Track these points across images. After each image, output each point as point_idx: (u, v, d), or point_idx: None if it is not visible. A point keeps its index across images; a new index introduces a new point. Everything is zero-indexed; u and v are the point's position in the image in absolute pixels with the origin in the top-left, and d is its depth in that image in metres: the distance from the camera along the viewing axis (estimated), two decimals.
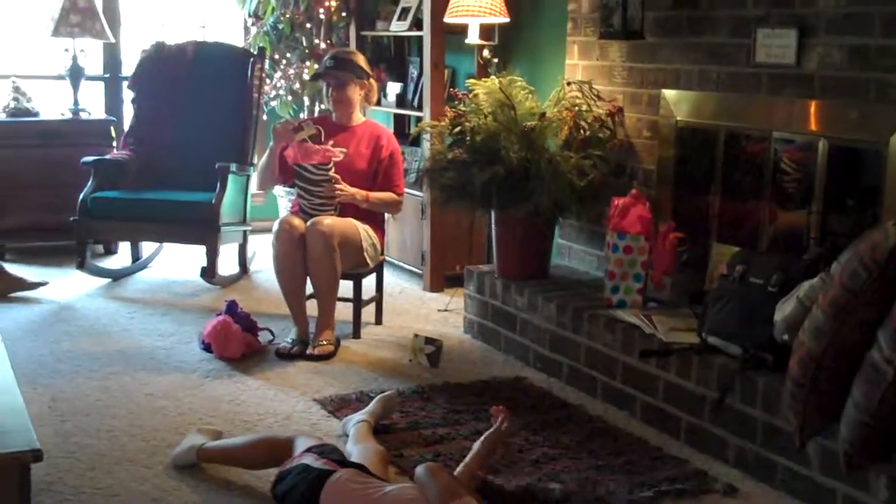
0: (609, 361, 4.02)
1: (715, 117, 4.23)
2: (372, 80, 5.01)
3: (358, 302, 4.88)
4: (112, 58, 6.90)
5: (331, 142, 4.75)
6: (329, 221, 4.57)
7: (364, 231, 4.75)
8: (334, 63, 4.93)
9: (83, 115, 6.47)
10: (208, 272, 5.51)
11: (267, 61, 6.41)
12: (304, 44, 6.64)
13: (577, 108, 4.67)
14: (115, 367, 4.36)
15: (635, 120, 4.63)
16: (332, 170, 4.66)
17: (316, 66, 6.14)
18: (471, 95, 4.80)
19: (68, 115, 6.44)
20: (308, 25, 6.64)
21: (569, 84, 4.81)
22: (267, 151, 4.81)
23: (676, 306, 4.13)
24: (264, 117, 6.66)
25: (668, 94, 4.41)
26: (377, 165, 4.86)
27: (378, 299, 5.10)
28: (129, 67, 6.58)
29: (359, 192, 4.73)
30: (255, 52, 6.18)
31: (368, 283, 4.99)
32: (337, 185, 4.65)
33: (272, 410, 3.89)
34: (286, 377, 4.29)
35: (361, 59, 4.99)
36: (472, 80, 4.91)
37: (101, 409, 3.87)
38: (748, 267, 3.60)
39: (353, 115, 4.94)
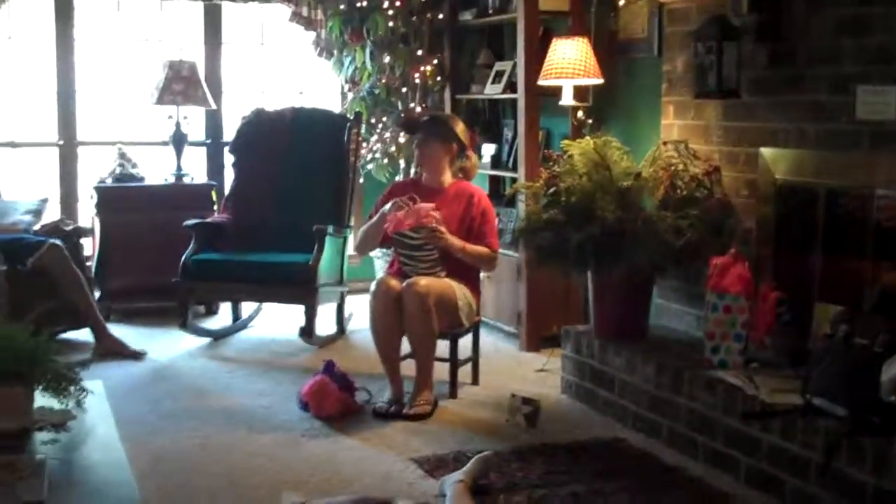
0: (710, 423, 3.94)
1: (815, 175, 4.17)
2: (470, 153, 5.07)
3: (454, 362, 4.88)
4: (214, 124, 7.09)
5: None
6: (425, 282, 4.59)
7: (460, 290, 4.77)
8: (427, 120, 5.08)
9: (186, 180, 6.64)
10: (307, 332, 5.58)
11: (363, 125, 6.52)
12: (400, 108, 6.74)
13: (673, 167, 4.65)
14: (215, 425, 4.42)
15: (733, 179, 4.59)
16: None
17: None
18: (565, 156, 4.81)
19: (172, 180, 6.62)
20: (404, 90, 6.75)
21: (665, 144, 4.79)
22: (371, 223, 4.87)
23: (778, 367, 4.04)
24: (360, 180, 6.76)
25: (766, 152, 4.37)
26: (470, 223, 4.88)
27: (475, 359, 5.10)
28: (230, 133, 6.75)
29: (457, 240, 4.75)
30: (352, 117, 6.29)
31: (465, 343, 4.99)
32: (437, 232, 4.66)
33: (369, 470, 3.90)
34: (383, 437, 4.30)
35: (458, 127, 5.03)
36: (566, 141, 4.91)
37: (201, 467, 3.92)
38: (852, 327, 3.52)
39: (443, 176, 4.98)
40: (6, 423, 2.87)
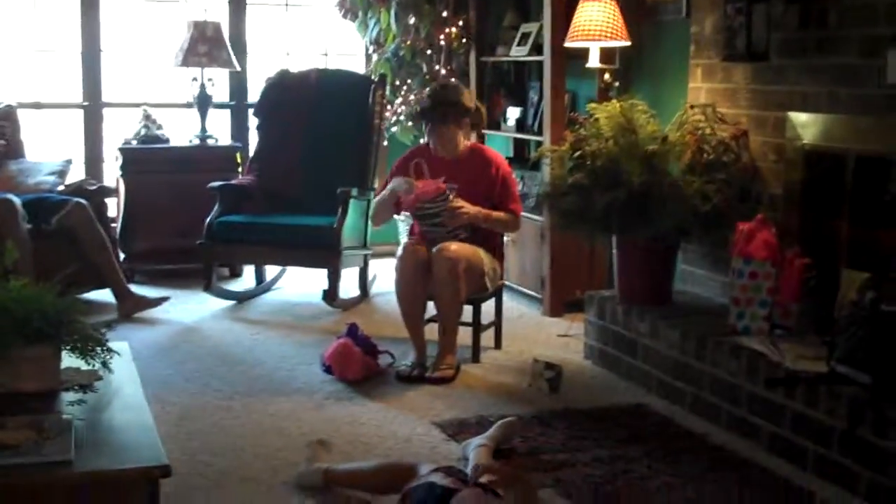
0: (733, 389, 3.93)
1: (844, 140, 4.12)
2: (480, 111, 5.00)
3: (477, 326, 4.88)
4: (238, 86, 7.08)
5: (442, 178, 4.73)
6: (455, 247, 4.58)
7: (486, 255, 4.75)
8: (436, 107, 4.85)
9: (210, 142, 6.64)
10: (330, 295, 5.60)
11: (388, 87, 6.49)
12: (425, 70, 6.70)
13: (700, 131, 4.60)
14: (239, 387, 4.44)
15: (760, 143, 4.54)
16: (450, 197, 4.65)
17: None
18: (591, 119, 4.77)
19: (196, 142, 6.62)
20: (428, 52, 6.71)
21: (692, 107, 4.74)
22: (383, 197, 4.82)
23: (804, 334, 4.02)
24: (385, 143, 6.74)
25: (795, 116, 4.31)
26: (490, 190, 4.85)
27: (497, 324, 5.10)
28: (254, 95, 6.75)
29: (480, 211, 4.73)
30: (376, 79, 6.27)
31: (488, 307, 4.99)
32: (459, 210, 4.65)
33: (392, 433, 3.91)
34: (406, 400, 4.31)
35: (465, 98, 4.88)
36: (592, 104, 4.88)
37: (225, 429, 3.94)
38: (880, 294, 3.48)
39: (458, 146, 4.90)
40: (34, 384, 2.90)
